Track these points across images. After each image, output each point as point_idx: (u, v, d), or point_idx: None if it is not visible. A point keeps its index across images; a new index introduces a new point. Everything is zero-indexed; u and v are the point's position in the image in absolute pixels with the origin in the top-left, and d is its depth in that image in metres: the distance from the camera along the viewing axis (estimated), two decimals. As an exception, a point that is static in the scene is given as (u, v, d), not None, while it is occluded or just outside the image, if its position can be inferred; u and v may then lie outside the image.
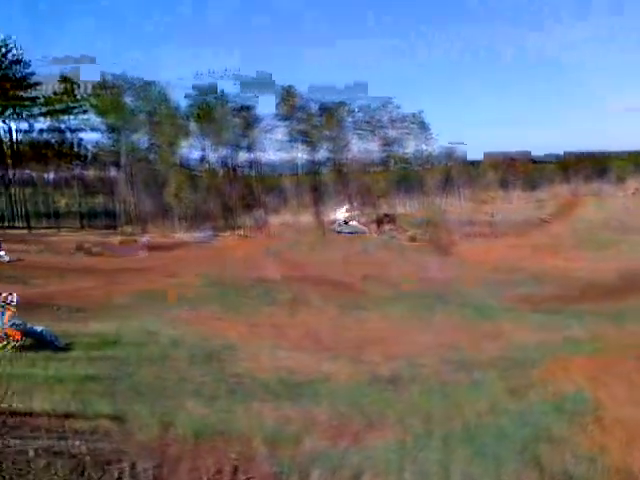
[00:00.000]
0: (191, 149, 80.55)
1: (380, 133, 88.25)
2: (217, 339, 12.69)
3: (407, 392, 8.43)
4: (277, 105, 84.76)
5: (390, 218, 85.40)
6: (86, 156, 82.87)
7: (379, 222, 78.63)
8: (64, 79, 71.60)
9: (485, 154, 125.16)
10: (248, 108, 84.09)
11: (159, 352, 10.66)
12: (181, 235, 64.51)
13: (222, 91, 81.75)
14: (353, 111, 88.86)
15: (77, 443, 5.04)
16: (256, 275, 25.27)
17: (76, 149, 78.64)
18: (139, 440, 5.52)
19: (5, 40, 61.36)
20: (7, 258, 34.60)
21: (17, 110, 67.51)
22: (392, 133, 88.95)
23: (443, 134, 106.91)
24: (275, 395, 8.13)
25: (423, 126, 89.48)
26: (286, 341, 13.44)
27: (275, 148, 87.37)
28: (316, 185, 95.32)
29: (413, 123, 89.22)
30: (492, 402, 7.30)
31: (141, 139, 73.44)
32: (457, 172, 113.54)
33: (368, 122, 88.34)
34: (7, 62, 62.68)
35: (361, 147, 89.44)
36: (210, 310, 18.39)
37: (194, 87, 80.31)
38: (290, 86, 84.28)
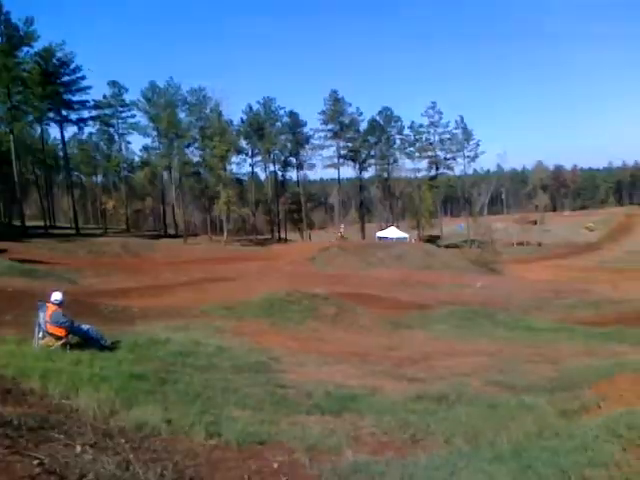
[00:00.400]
0: (241, 164, 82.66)
1: (428, 151, 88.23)
2: (262, 350, 12.72)
3: (453, 409, 8.21)
4: (327, 122, 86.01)
5: (436, 237, 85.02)
6: (133, 160, 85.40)
7: (426, 241, 78.41)
8: (113, 83, 74.31)
9: (534, 170, 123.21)
10: (298, 125, 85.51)
11: (205, 360, 10.73)
12: (227, 246, 65.74)
13: (274, 108, 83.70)
14: (403, 129, 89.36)
15: (122, 440, 5.04)
16: (302, 288, 25.32)
17: (124, 153, 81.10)
18: (184, 442, 5.51)
19: (56, 45, 64.08)
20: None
21: (67, 113, 70.15)
22: (440, 152, 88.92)
23: (492, 151, 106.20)
24: (319, 407, 8.04)
25: (471, 142, 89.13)
26: (331, 355, 13.35)
27: (323, 165, 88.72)
28: (363, 202, 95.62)
29: (462, 141, 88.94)
30: (541, 422, 7.02)
31: (192, 151, 75.32)
32: (506, 189, 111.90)
33: (417, 140, 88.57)
34: (57, 66, 65.10)
35: (409, 165, 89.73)
36: (256, 321, 18.52)
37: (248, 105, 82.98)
38: (339, 103, 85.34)
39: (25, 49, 60.59)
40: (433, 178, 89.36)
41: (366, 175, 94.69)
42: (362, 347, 15.61)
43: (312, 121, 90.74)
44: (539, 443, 6.02)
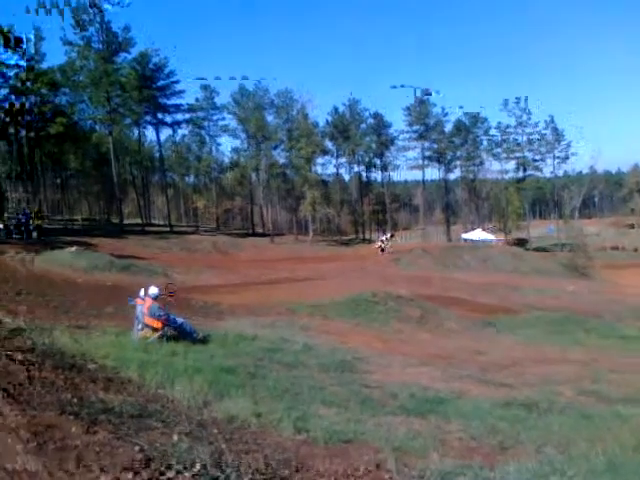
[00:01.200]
0: (326, 165, 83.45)
1: (516, 152, 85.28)
2: (347, 349, 12.80)
3: (544, 418, 7.91)
4: (412, 124, 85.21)
5: (524, 240, 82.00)
6: (223, 161, 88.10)
7: (514, 244, 75.86)
8: (205, 87, 76.96)
9: (630, 172, 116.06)
10: (383, 127, 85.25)
11: (292, 357, 10.91)
12: (313, 246, 66.54)
13: (360, 110, 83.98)
14: (489, 130, 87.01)
15: (215, 431, 5.21)
16: (386, 289, 25.25)
17: (215, 154, 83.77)
18: (273, 436, 5.63)
19: (152, 51, 67.10)
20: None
21: (162, 116, 73.34)
22: (529, 153, 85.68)
23: (584, 152, 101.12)
24: (404, 409, 7.98)
25: (562, 143, 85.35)
26: (415, 356, 13.23)
27: (408, 166, 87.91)
28: (448, 203, 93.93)
29: (552, 142, 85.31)
30: (639, 435, 6.64)
31: (279, 152, 76.81)
32: (599, 192, 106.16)
33: (504, 141, 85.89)
34: (153, 71, 68.15)
35: (496, 166, 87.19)
36: (341, 321, 18.62)
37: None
38: (425, 104, 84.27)
39: (123, 55, 64.10)
40: (521, 180, 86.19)
41: (451, 176, 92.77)
42: (447, 350, 15.36)
43: (397, 122, 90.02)
44: (636, 457, 5.72)
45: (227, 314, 18.31)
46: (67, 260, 27.79)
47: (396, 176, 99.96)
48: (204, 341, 11.06)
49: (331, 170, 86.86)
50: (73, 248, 31.32)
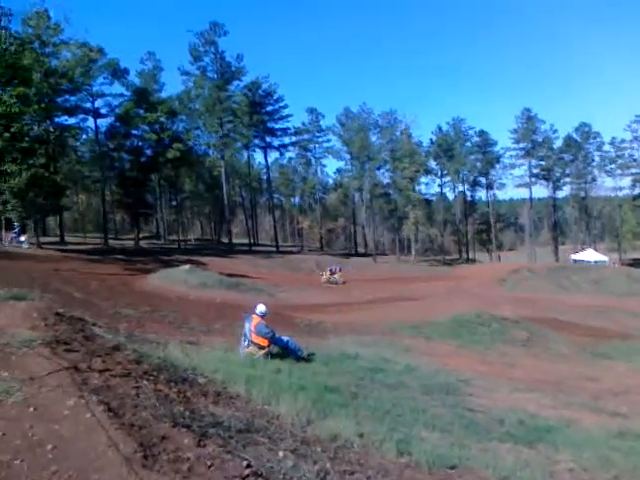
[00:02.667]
0: (430, 185, 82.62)
1: (631, 168, 79.86)
2: (450, 372, 12.50)
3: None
4: (518, 141, 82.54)
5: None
6: (327, 182, 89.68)
7: (629, 264, 70.81)
8: (311, 111, 79.14)
9: None
10: (488, 145, 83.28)
11: (394, 378, 10.80)
12: (415, 265, 65.95)
13: (464, 128, 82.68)
14: (602, 145, 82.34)
15: (319, 449, 5.27)
16: (490, 310, 24.50)
17: (319, 176, 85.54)
18: (376, 457, 5.60)
19: (262, 78, 70.10)
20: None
21: (270, 140, 76.02)
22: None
23: None
24: (511, 436, 7.66)
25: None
26: (522, 381, 12.68)
27: (514, 184, 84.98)
28: (556, 222, 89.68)
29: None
30: None
31: (383, 172, 77.12)
32: None
33: (619, 156, 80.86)
34: (263, 97, 71.02)
35: (609, 183, 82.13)
36: (444, 342, 18.25)
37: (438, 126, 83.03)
38: (532, 120, 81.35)
39: (235, 83, 67.45)
40: (637, 197, 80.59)
41: (560, 194, 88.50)
42: (556, 375, 14.57)
43: (503, 140, 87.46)
44: None
45: (330, 333, 18.46)
46: (181, 277, 29.29)
47: (501, 195, 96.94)
48: (308, 359, 11.21)
49: (435, 189, 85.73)
50: (187, 266, 33.00)
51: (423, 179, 79.51)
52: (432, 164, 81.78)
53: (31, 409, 4.53)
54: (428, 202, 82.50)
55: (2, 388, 5.03)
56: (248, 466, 3.97)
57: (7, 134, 38.98)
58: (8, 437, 4.00)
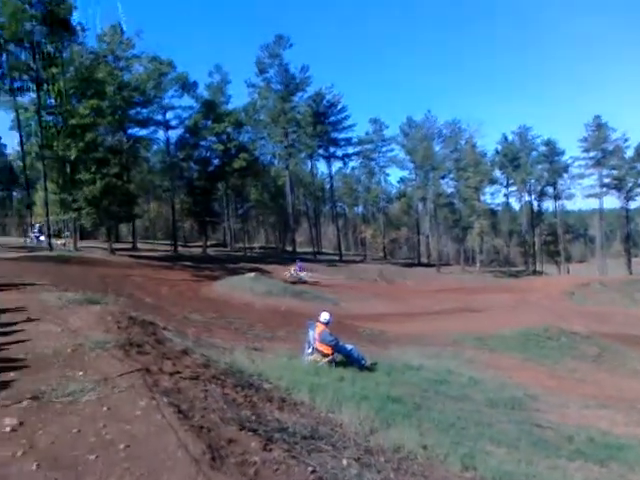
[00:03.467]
0: (495, 194, 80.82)
1: None
2: (517, 386, 12.18)
3: None
4: (588, 150, 79.54)
5: None
6: (391, 192, 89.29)
7: None
8: (374, 121, 79.14)
9: None
10: (556, 154, 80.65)
11: (458, 390, 10.61)
12: (480, 277, 64.60)
13: (530, 137, 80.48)
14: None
15: (382, 459, 5.24)
16: (558, 324, 23.72)
17: (383, 185, 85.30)
18: (440, 470, 5.52)
19: (326, 88, 70.79)
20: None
21: (333, 150, 76.47)
22: None
23: None
24: (581, 453, 7.38)
25: None
26: (593, 397, 12.19)
27: (583, 194, 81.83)
28: (629, 234, 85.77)
29: None
30: None
31: (447, 182, 76.15)
32: None
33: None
34: (326, 107, 71.63)
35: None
36: (509, 355, 17.81)
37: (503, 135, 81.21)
38: (602, 128, 78.29)
39: (299, 94, 68.40)
40: None
41: (633, 205, 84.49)
42: (630, 392, 13.92)
43: (571, 149, 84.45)
44: None
45: (393, 343, 18.35)
46: (247, 285, 29.82)
47: (570, 205, 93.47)
48: (371, 368, 11.18)
49: (500, 200, 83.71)
50: (252, 274, 33.56)
51: (488, 189, 77.91)
52: (497, 173, 79.98)
53: (104, 408, 4.72)
54: (493, 212, 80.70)
55: (77, 387, 5.27)
56: (313, 472, 4.01)
57: (82, 144, 40.87)
58: (83, 434, 4.18)
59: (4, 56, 39.75)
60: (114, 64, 49.31)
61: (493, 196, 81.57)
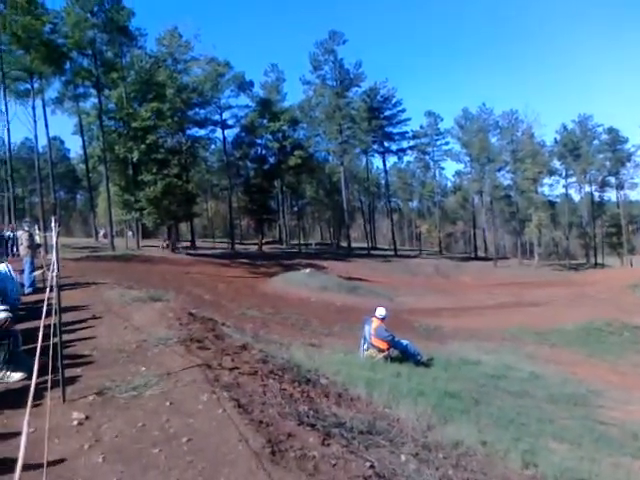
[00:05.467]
0: (554, 186, 78.38)
1: None
2: (579, 381, 11.84)
3: None
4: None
5: None
6: (446, 186, 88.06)
7: None
8: (429, 114, 78.17)
9: None
10: (619, 142, 77.44)
11: (518, 385, 10.41)
12: (538, 270, 62.97)
13: (591, 126, 77.61)
14: None
15: (440, 455, 5.22)
16: (621, 318, 22.89)
17: (438, 179, 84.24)
18: (499, 467, 5.46)
19: (380, 83, 70.34)
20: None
21: (388, 145, 75.96)
22: None
23: None
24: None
25: None
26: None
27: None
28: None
29: None
30: None
31: (503, 174, 74.44)
32: None
33: None
34: (381, 102, 71.17)
35: None
36: (570, 350, 17.33)
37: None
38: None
39: (354, 89, 68.26)
40: None
41: None
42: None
43: (635, 137, 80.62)
44: None
45: (449, 338, 18.15)
46: (302, 281, 30.09)
47: (634, 195, 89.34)
48: (427, 364, 11.12)
49: (559, 191, 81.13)
50: (307, 270, 33.85)
51: (547, 180, 75.63)
52: (556, 164, 77.51)
53: (167, 403, 4.89)
54: (552, 204, 78.33)
55: (140, 382, 5.48)
56: (371, 467, 4.03)
57: (143, 146, 42.09)
58: (147, 428, 4.35)
59: (68, 64, 41.40)
60: (173, 67, 50.47)
61: (552, 187, 79.24)
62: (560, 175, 78.67)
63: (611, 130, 77.41)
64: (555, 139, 78.29)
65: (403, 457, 4.68)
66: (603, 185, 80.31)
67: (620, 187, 79.83)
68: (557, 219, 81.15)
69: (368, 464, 4.09)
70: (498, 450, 5.90)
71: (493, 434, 6.49)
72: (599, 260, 77.82)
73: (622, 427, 8.36)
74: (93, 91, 44.09)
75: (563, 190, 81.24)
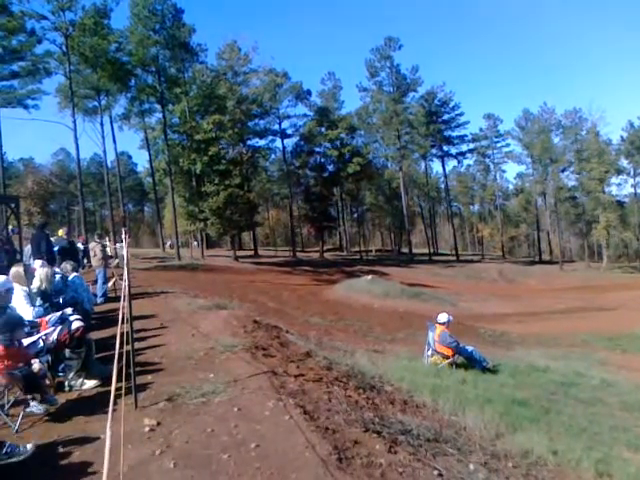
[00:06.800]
0: (622, 185, 75.13)
1: None
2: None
3: None
4: None
5: None
6: (508, 188, 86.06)
7: None
8: (488, 116, 76.75)
9: None
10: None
11: (589, 393, 10.06)
12: (607, 273, 60.55)
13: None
14: None
15: (510, 465, 5.13)
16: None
17: (499, 182, 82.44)
18: (571, 477, 5.30)
19: (438, 87, 69.64)
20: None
21: (447, 149, 74.98)
22: None
23: None
24: None
25: None
26: None
27: None
28: None
29: None
30: None
31: (567, 175, 72.07)
32: None
33: None
34: (438, 106, 70.42)
35: None
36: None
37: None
38: None
39: (411, 95, 67.78)
40: None
41: None
42: None
43: None
44: None
45: (516, 344, 17.72)
46: (364, 287, 30.05)
47: None
48: (493, 370, 10.90)
49: (627, 190, 77.57)
50: (369, 276, 33.82)
51: (614, 179, 72.53)
52: (623, 163, 74.19)
53: (235, 409, 5.02)
54: (620, 204, 75.10)
55: (210, 388, 5.64)
56: (440, 475, 4.02)
57: (206, 158, 43.18)
58: (216, 433, 4.48)
59: (133, 81, 43.03)
60: (233, 80, 51.59)
61: (619, 187, 75.92)
62: (628, 174, 75.29)
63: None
64: (621, 137, 75.06)
65: (472, 466, 4.63)
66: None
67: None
68: (626, 219, 77.73)
69: (436, 472, 4.08)
70: (570, 459, 5.71)
71: (564, 443, 6.29)
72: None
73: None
74: (157, 106, 45.61)
75: (632, 190, 77.72)
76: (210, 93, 45.74)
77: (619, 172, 72.17)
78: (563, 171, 71.56)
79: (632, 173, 74.88)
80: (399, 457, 4.21)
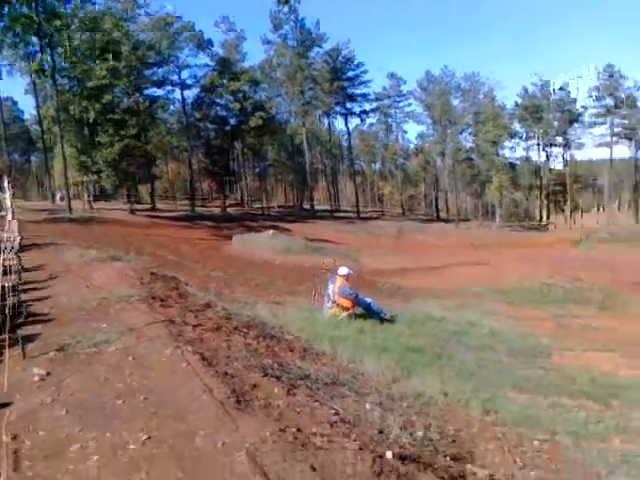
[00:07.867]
0: (513, 148, 79.21)
1: None
2: (535, 335, 12.22)
3: None
4: (600, 99, 76.79)
5: None
6: (409, 148, 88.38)
7: None
8: (392, 76, 77.76)
9: None
10: (567, 103, 78.07)
11: (480, 340, 10.66)
12: (497, 231, 64.34)
13: (550, 89, 78.04)
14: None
15: (404, 404, 5.34)
16: (568, 274, 23.82)
17: (400, 141, 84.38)
18: (461, 414, 5.61)
19: (342, 44, 69.49)
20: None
21: (351, 107, 75.49)
22: None
23: None
24: (583, 393, 7.45)
25: None
26: (597, 342, 12.15)
27: (594, 144, 79.17)
28: (637, 183, 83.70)
29: None
30: None
31: (465, 137, 74.92)
32: None
33: None
34: (343, 63, 70.49)
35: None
36: (526, 306, 17.90)
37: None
38: (614, 76, 75.39)
39: (316, 50, 67.08)
40: None
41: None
42: (636, 337, 13.77)
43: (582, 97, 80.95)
44: None
45: (412, 296, 18.45)
46: (266, 243, 30.04)
47: (580, 155, 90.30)
48: (391, 320, 11.24)
49: (520, 153, 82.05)
50: (270, 232, 33.75)
51: (507, 143, 76.34)
52: (517, 127, 78.09)
53: (130, 358, 4.85)
54: (513, 166, 79.32)
55: (102, 338, 5.41)
56: (336, 414, 4.09)
57: (99, 106, 40.78)
58: (110, 382, 4.31)
59: (6, 8, 39.05)
60: (119, 15, 47.82)
61: (512, 150, 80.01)
62: (521, 138, 79.45)
63: (561, 88, 77.73)
64: (516, 102, 78.77)
65: (368, 405, 4.77)
66: (551, 145, 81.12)
67: (567, 147, 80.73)
68: (517, 181, 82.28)
69: (333, 411, 4.14)
70: (459, 399, 6.05)
71: (455, 385, 6.64)
72: (548, 219, 79.88)
73: (562, 372, 8.70)
74: (47, 49, 41.94)
75: (523, 153, 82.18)
76: (94, 27, 41.94)
77: (512, 136, 75.95)
78: (461, 133, 74.32)
79: (524, 137, 79.08)
80: (297, 399, 4.25)
